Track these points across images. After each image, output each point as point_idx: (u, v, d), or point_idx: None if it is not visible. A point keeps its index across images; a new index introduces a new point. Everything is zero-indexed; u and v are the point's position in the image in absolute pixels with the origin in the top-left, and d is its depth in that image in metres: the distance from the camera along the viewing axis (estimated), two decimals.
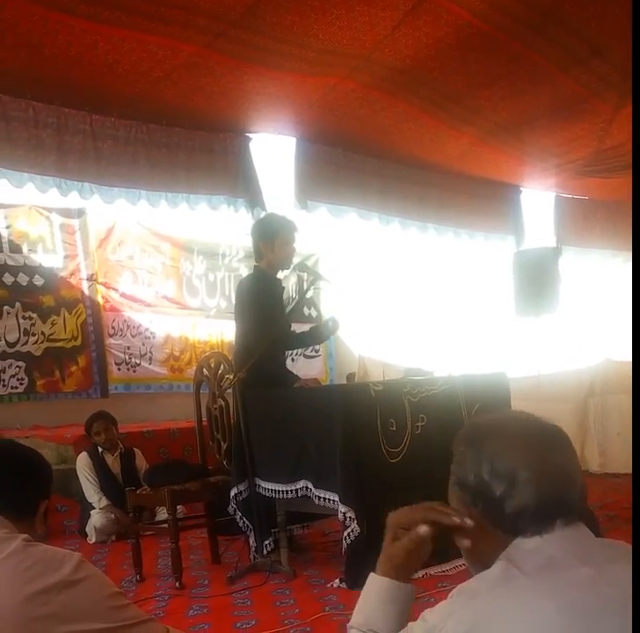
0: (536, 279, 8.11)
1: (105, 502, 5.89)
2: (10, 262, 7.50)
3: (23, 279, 7.55)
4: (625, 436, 6.76)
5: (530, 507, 1.33)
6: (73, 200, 5.83)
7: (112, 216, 8.07)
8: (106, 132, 5.47)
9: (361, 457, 4.17)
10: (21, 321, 7.50)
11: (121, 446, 6.17)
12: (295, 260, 5.01)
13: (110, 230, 8.30)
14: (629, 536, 1.43)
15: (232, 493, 4.61)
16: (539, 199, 8.77)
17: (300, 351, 8.71)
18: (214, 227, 8.40)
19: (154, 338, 8.57)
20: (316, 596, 4.01)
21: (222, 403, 4.88)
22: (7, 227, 7.51)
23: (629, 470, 5.19)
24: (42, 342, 7.65)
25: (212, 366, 4.99)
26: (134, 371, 8.41)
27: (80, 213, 7.99)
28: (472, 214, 8.01)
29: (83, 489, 5.97)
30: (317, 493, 4.19)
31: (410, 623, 1.33)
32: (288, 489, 4.36)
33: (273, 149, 6.57)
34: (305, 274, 5.02)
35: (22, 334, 7.49)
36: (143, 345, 8.48)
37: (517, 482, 1.34)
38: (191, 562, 4.97)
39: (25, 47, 4.55)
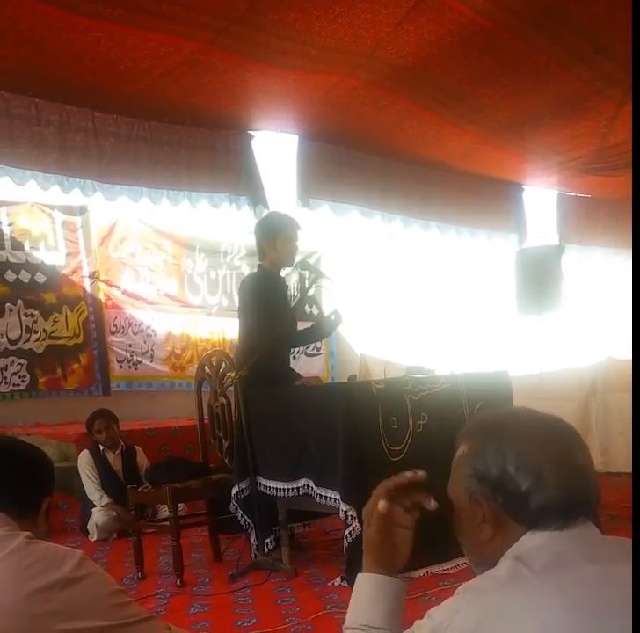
0: (539, 277, 8.11)
1: (106, 500, 5.90)
2: (12, 259, 7.50)
3: (25, 276, 7.55)
4: (627, 435, 6.75)
5: (555, 502, 1.31)
6: (75, 197, 5.83)
7: (114, 214, 8.07)
8: (108, 129, 5.47)
9: (363, 455, 4.17)
10: (23, 318, 7.50)
11: (123, 444, 6.17)
12: (297, 258, 5.00)
13: (112, 228, 8.30)
14: (630, 535, 1.42)
15: (233, 491, 4.61)
16: (541, 197, 8.76)
17: (301, 349, 8.70)
18: (216, 224, 8.40)
19: (155, 335, 8.57)
20: (318, 594, 4.02)
21: (224, 401, 4.88)
22: (9, 224, 7.51)
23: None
24: (44, 339, 7.65)
25: (213, 364, 4.99)
26: (136, 369, 8.41)
27: (82, 210, 7.99)
28: (474, 211, 8.00)
29: (85, 487, 5.97)
30: (319, 491, 4.19)
31: (416, 621, 1.31)
32: (290, 487, 4.36)
33: (276, 147, 6.57)
34: (307, 272, 5.02)
35: (24, 332, 7.49)
36: (145, 342, 8.48)
37: (544, 476, 1.32)
38: (192, 560, 4.97)
39: (27, 45, 4.55)
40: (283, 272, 5.05)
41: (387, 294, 9.87)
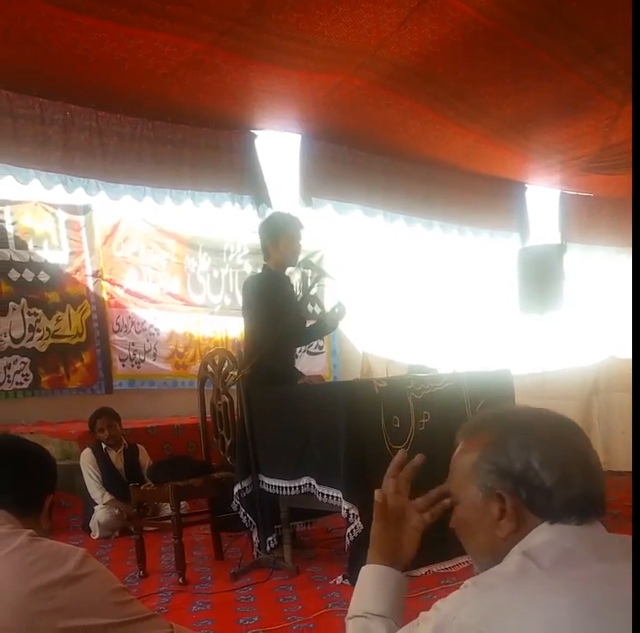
0: (541, 276, 8.10)
1: (108, 497, 5.91)
2: (15, 258, 7.52)
3: (28, 275, 7.58)
4: (629, 434, 6.75)
5: (579, 499, 1.31)
6: (79, 196, 5.84)
7: (118, 213, 8.09)
8: (112, 129, 5.48)
9: (365, 454, 4.18)
10: (26, 317, 7.52)
11: (125, 442, 6.19)
12: (300, 257, 5.01)
13: (115, 227, 8.32)
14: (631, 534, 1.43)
15: (235, 489, 4.62)
16: (544, 196, 8.76)
17: (303, 348, 8.72)
18: (219, 224, 8.41)
19: (158, 334, 8.59)
20: (320, 593, 4.02)
21: (226, 399, 4.89)
22: (13, 223, 7.53)
23: None
24: (47, 338, 7.67)
25: (216, 362, 4.99)
26: (139, 367, 8.43)
27: (85, 209, 8.02)
28: (477, 210, 8.00)
29: (87, 485, 5.99)
30: (321, 490, 4.20)
31: (422, 613, 1.32)
32: (292, 485, 4.37)
33: (279, 146, 6.58)
34: (309, 271, 5.02)
35: (27, 330, 7.51)
36: (148, 341, 8.50)
37: (568, 472, 1.31)
38: (194, 558, 4.98)
39: (31, 45, 4.55)
40: (288, 272, 5.06)
41: (389, 293, 9.88)
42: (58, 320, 7.78)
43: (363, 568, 1.58)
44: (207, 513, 5.08)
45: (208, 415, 5.08)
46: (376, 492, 1.57)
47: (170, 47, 4.73)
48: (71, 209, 7.91)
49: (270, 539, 4.62)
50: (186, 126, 5.82)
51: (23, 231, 7.59)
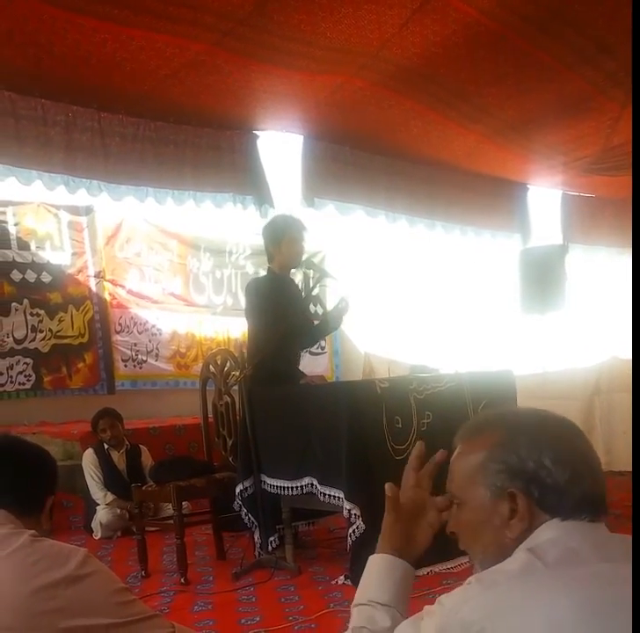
0: (543, 276, 8.11)
1: (110, 497, 5.92)
2: (18, 259, 7.53)
3: (31, 276, 7.58)
4: (631, 434, 6.75)
5: (590, 496, 1.32)
6: (81, 197, 5.85)
7: (120, 214, 8.09)
8: (114, 129, 5.49)
9: (367, 454, 4.18)
10: (29, 318, 7.53)
11: (127, 443, 6.19)
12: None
13: (117, 228, 8.33)
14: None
15: (237, 489, 4.62)
16: (546, 196, 8.76)
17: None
18: (221, 224, 8.42)
19: (160, 334, 8.59)
20: (321, 593, 4.03)
21: (228, 399, 4.89)
22: (15, 224, 7.53)
23: None
24: (49, 339, 7.68)
25: (218, 362, 5.00)
26: (141, 368, 8.43)
27: (88, 210, 8.02)
28: (479, 211, 8.00)
29: (88, 486, 6.00)
30: (322, 490, 4.21)
31: (426, 607, 1.31)
32: (293, 485, 4.38)
33: (281, 147, 6.58)
34: (311, 271, 5.03)
35: (29, 331, 7.52)
36: (150, 341, 8.51)
37: (579, 471, 1.32)
38: (196, 558, 4.99)
39: (33, 46, 4.57)
40: (292, 274, 5.08)
41: (391, 294, 9.88)
42: (60, 321, 7.78)
43: (371, 556, 1.58)
44: (209, 514, 5.09)
45: (210, 415, 5.08)
46: (387, 486, 1.57)
47: (172, 48, 4.74)
48: (73, 210, 7.91)
49: (272, 539, 4.62)
50: (188, 126, 5.83)
51: (25, 232, 7.60)
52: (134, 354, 8.37)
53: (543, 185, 8.50)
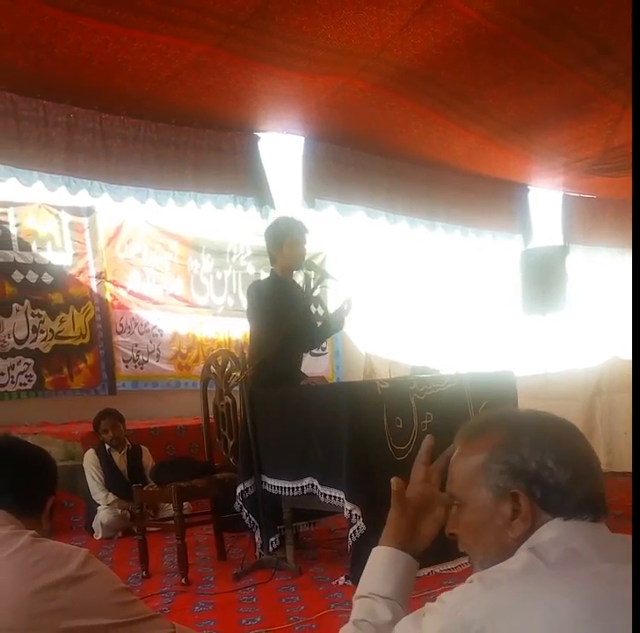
0: (544, 277, 8.11)
1: (111, 498, 5.93)
2: (19, 260, 7.53)
3: (32, 276, 7.59)
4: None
5: (592, 496, 1.32)
6: (82, 198, 5.86)
7: (121, 214, 8.10)
8: (116, 130, 5.50)
9: (368, 455, 4.19)
10: (30, 318, 7.53)
11: (129, 443, 6.20)
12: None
13: (118, 228, 8.33)
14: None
15: (238, 490, 4.62)
16: (547, 197, 8.76)
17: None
18: (222, 225, 8.42)
19: (161, 335, 8.60)
20: (322, 593, 4.03)
21: (229, 400, 4.90)
22: (16, 225, 7.54)
23: None
24: (51, 339, 7.68)
25: (219, 363, 5.00)
26: (142, 368, 8.44)
27: (89, 211, 8.02)
28: (480, 212, 8.01)
29: (89, 486, 6.00)
30: (323, 491, 4.21)
31: (427, 603, 1.31)
32: (294, 486, 4.38)
33: (282, 148, 6.59)
34: (312, 273, 5.04)
35: (31, 331, 7.52)
36: (151, 342, 8.51)
37: (580, 471, 1.32)
38: (197, 558, 4.99)
39: (35, 47, 4.57)
40: (294, 276, 5.09)
41: (392, 295, 9.88)
42: (61, 321, 7.79)
43: (374, 548, 1.58)
44: (210, 514, 5.09)
45: (211, 416, 5.09)
46: (393, 480, 1.56)
47: (173, 49, 4.75)
48: (75, 211, 7.92)
49: (272, 539, 4.62)
50: (190, 128, 5.84)
51: (26, 233, 7.60)
52: (135, 355, 8.37)
53: (544, 186, 8.50)
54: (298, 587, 4.17)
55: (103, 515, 5.85)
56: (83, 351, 7.97)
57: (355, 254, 9.58)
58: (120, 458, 6.09)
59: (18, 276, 7.49)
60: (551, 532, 1.30)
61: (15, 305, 7.44)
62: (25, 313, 7.50)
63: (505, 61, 5.36)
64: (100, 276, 8.14)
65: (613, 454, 7.14)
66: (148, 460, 6.14)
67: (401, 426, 4.35)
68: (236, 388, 4.80)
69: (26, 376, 7.48)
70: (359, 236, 9.07)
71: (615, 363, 7.60)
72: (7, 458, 1.87)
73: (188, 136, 5.84)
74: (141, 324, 8.44)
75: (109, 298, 8.22)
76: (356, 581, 1.93)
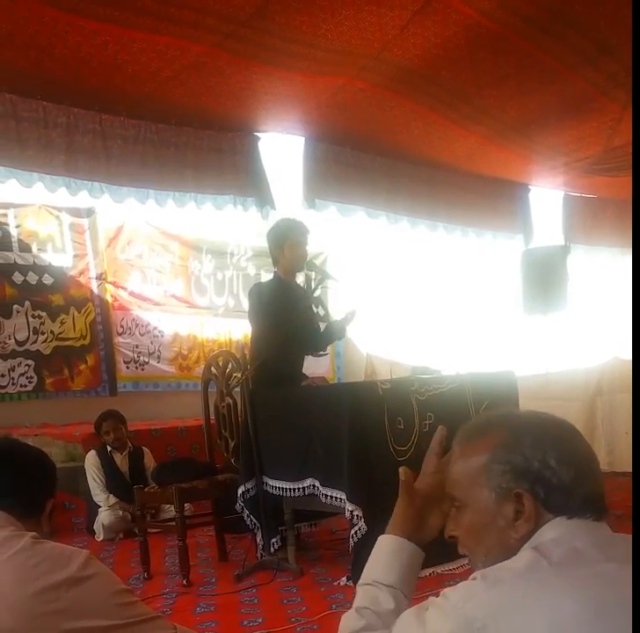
0: (544, 277, 8.11)
1: (113, 500, 5.92)
2: (19, 261, 7.53)
3: (32, 278, 7.58)
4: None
5: (595, 496, 1.32)
6: (82, 199, 5.86)
7: (122, 215, 8.09)
8: (116, 131, 5.49)
9: (369, 455, 4.18)
10: (30, 320, 7.53)
11: (130, 445, 6.19)
12: None
13: (119, 229, 8.33)
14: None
15: (239, 491, 4.62)
16: (547, 197, 8.76)
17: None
18: (223, 226, 8.42)
19: (162, 336, 8.60)
20: (323, 594, 4.03)
21: (230, 401, 4.89)
22: (17, 226, 7.53)
23: None
24: (51, 341, 7.68)
25: (220, 364, 5.00)
26: (143, 369, 8.43)
27: (89, 212, 8.02)
28: (480, 212, 8.00)
29: (90, 488, 6.00)
30: (324, 491, 4.21)
31: (431, 598, 1.30)
32: (295, 487, 4.38)
33: (282, 149, 6.58)
34: (313, 273, 5.05)
35: (31, 333, 7.52)
36: (152, 343, 8.51)
37: (583, 470, 1.32)
38: (198, 559, 4.99)
39: (35, 48, 4.57)
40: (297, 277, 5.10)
41: (393, 295, 9.87)
42: (62, 322, 7.78)
43: (380, 537, 1.57)
44: (211, 515, 5.09)
45: (212, 417, 5.09)
46: (401, 470, 1.56)
47: (173, 50, 4.75)
48: (75, 212, 7.91)
49: (274, 540, 4.62)
50: (190, 128, 5.84)
51: (27, 234, 7.60)
52: (135, 356, 8.37)
53: (545, 185, 8.50)
54: (299, 588, 4.17)
55: (104, 517, 5.84)
56: (83, 352, 7.97)
57: (356, 254, 9.57)
58: (121, 460, 6.09)
59: (18, 277, 7.49)
60: (554, 531, 1.29)
61: (15, 306, 7.44)
62: (26, 314, 7.50)
63: (505, 61, 5.36)
64: (101, 277, 8.14)
65: (614, 454, 7.14)
66: (149, 461, 6.13)
67: (402, 427, 4.35)
68: (237, 389, 4.80)
69: (27, 378, 7.47)
70: (359, 237, 9.06)
71: (616, 363, 7.60)
72: (7, 460, 1.87)
73: (188, 137, 5.83)
74: (142, 325, 8.44)
75: (110, 299, 8.21)
76: (357, 582, 1.93)
